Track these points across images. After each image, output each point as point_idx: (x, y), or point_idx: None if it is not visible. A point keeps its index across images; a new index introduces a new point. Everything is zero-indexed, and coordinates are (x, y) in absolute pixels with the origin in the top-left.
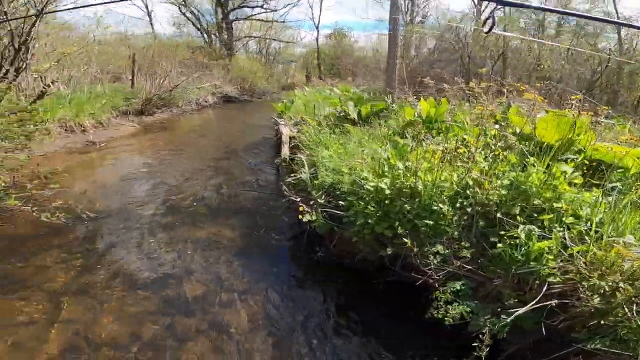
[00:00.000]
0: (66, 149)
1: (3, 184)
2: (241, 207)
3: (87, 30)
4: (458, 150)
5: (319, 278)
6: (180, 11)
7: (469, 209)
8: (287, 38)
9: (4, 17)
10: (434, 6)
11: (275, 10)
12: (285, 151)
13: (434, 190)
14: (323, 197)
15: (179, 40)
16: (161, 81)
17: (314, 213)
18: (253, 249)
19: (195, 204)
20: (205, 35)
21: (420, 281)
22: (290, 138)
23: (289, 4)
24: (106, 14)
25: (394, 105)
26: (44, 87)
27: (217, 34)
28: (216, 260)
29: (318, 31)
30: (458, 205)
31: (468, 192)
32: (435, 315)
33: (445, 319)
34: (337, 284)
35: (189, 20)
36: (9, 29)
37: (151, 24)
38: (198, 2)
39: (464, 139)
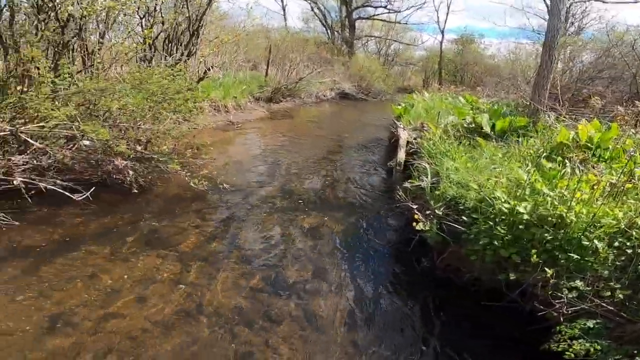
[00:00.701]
0: (213, 125)
1: (167, 149)
2: (349, 202)
3: (239, 21)
4: (628, 185)
5: (418, 288)
6: (311, 8)
7: (629, 251)
8: (407, 40)
9: (185, 2)
10: (595, 17)
11: (399, 12)
12: (402, 155)
13: (588, 224)
14: (442, 209)
15: (307, 35)
16: (289, 73)
17: (428, 223)
18: (355, 245)
19: (307, 191)
20: (329, 32)
21: (543, 312)
22: (407, 142)
23: (413, 6)
24: (256, 6)
25: (538, 122)
26: (205, 70)
27: (340, 31)
28: (319, 249)
29: (443, 35)
30: (616, 244)
31: (634, 232)
32: (555, 348)
33: (567, 353)
34: (438, 298)
35: (317, 16)
36: (187, 14)
37: (285, 18)
38: None
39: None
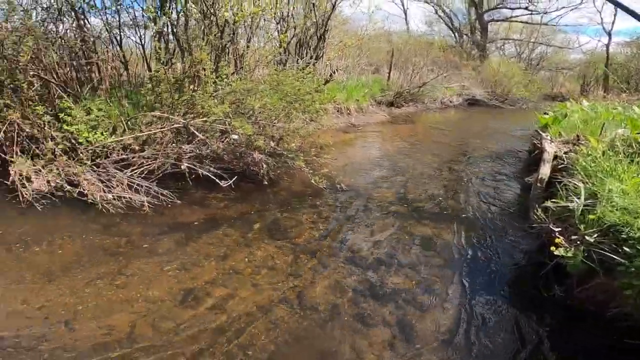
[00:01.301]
0: (335, 127)
1: (295, 147)
2: (470, 216)
3: (361, 25)
4: None
5: (543, 316)
6: (435, 11)
7: None
8: (559, 43)
9: (312, 7)
10: None
11: (546, 13)
12: (546, 171)
13: None
14: (594, 235)
15: (430, 38)
16: (412, 77)
17: (572, 249)
18: (472, 262)
19: (424, 199)
20: (457, 35)
21: None
22: (555, 157)
23: (565, 7)
24: (377, 10)
25: None
26: (331, 73)
27: (469, 34)
28: (429, 261)
29: (610, 37)
30: None
31: None
32: None
33: None
34: (568, 328)
35: (441, 19)
36: (314, 20)
37: (406, 21)
38: (450, 1)
39: None
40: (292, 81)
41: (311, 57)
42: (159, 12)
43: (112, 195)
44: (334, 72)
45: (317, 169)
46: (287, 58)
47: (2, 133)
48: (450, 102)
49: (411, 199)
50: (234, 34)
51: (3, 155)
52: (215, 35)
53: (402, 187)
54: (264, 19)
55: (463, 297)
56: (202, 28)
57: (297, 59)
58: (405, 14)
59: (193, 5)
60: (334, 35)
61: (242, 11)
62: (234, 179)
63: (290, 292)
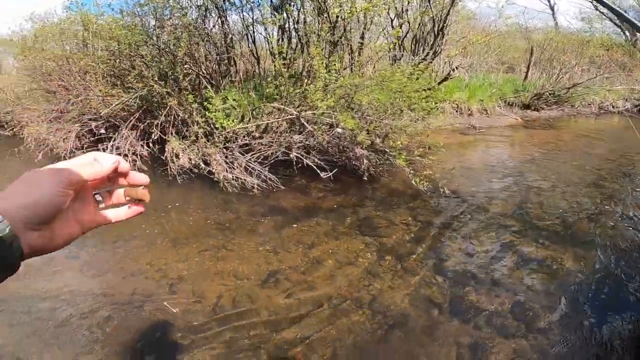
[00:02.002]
0: (451, 127)
1: (400, 145)
2: (607, 244)
3: (490, 21)
4: None
5: None
6: (595, 8)
7: None
8: None
9: (427, 2)
10: None
11: None
12: None
13: None
14: None
15: (587, 35)
16: (559, 77)
17: None
18: (586, 298)
19: (548, 216)
20: (628, 34)
21: None
22: None
23: None
24: (508, 5)
25: None
26: (450, 71)
27: None
28: (531, 284)
29: None
30: None
31: None
32: None
33: None
34: None
35: (605, 16)
36: (431, 15)
37: (554, 17)
38: None
39: None
40: (398, 77)
41: (427, 54)
42: (280, 9)
43: (232, 176)
44: (453, 70)
45: (419, 170)
46: (402, 54)
47: (163, 116)
48: (613, 106)
49: (532, 215)
50: (345, 30)
51: (163, 135)
52: (326, 31)
53: (523, 201)
54: (378, 15)
55: (559, 335)
56: (316, 24)
57: (412, 56)
58: (552, 9)
59: (308, 2)
60: (455, 31)
61: (353, 7)
62: (334, 171)
63: (365, 292)
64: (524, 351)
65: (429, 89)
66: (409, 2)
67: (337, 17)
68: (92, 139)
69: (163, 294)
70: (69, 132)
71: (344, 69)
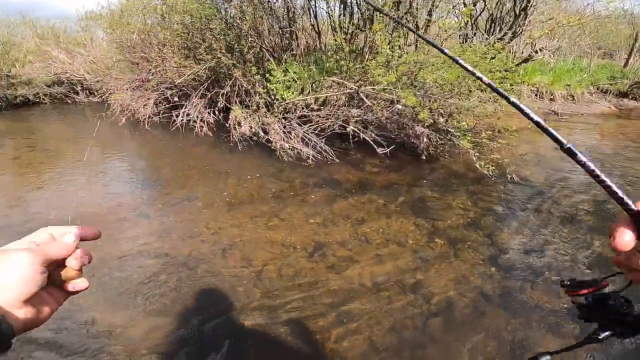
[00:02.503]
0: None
1: (466, 126)
2: None
3: (587, 3)
4: None
5: None
6: None
7: None
8: None
9: None
10: None
11: None
12: None
13: None
14: None
15: None
16: None
17: None
18: None
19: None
20: None
21: None
22: None
23: None
24: None
25: None
26: (531, 53)
27: None
28: None
29: None
30: None
31: None
32: None
33: None
34: None
35: None
36: None
37: None
38: None
39: None
40: (469, 56)
41: (505, 35)
42: None
43: (289, 145)
44: (535, 52)
45: (485, 154)
46: (475, 34)
47: (229, 87)
48: None
49: (614, 214)
50: (410, 5)
51: (227, 104)
52: (390, 7)
53: (605, 197)
54: None
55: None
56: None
57: (487, 36)
58: None
59: None
60: (542, 11)
61: None
62: (391, 147)
63: (410, 275)
64: (579, 357)
65: (506, 70)
66: None
67: None
68: (167, 105)
69: (216, 257)
70: (148, 99)
71: (408, 46)
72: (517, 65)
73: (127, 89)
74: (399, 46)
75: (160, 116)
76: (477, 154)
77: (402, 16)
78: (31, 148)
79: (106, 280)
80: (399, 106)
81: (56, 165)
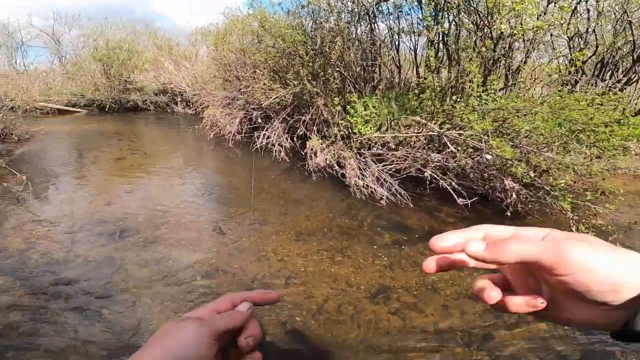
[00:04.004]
0: (633, 172)
1: (563, 184)
2: None
3: None
4: None
5: None
6: None
7: None
8: None
9: (628, 24)
10: None
11: None
12: None
13: None
14: None
15: None
16: None
17: None
18: None
19: None
20: None
21: None
22: None
23: None
24: None
25: None
26: None
27: None
28: None
29: None
30: None
31: None
32: None
33: None
34: None
35: None
36: (631, 39)
37: None
38: None
39: None
40: (584, 106)
41: (618, 81)
42: (433, 20)
43: (363, 183)
44: None
45: (586, 218)
46: (580, 79)
47: (310, 114)
48: None
49: None
50: (509, 47)
51: (306, 132)
52: (487, 47)
53: None
54: (551, 34)
55: None
56: (474, 39)
57: (595, 82)
58: None
59: (465, 16)
60: None
61: (522, 25)
62: (473, 199)
63: (480, 329)
64: None
65: (620, 123)
66: (598, 24)
67: (501, 33)
68: (250, 126)
69: (279, 284)
70: (235, 117)
71: (500, 90)
72: (634, 115)
73: (218, 105)
74: (494, 90)
75: (243, 135)
76: (575, 217)
77: (499, 57)
78: (133, 151)
79: (173, 288)
80: (489, 156)
81: (150, 170)
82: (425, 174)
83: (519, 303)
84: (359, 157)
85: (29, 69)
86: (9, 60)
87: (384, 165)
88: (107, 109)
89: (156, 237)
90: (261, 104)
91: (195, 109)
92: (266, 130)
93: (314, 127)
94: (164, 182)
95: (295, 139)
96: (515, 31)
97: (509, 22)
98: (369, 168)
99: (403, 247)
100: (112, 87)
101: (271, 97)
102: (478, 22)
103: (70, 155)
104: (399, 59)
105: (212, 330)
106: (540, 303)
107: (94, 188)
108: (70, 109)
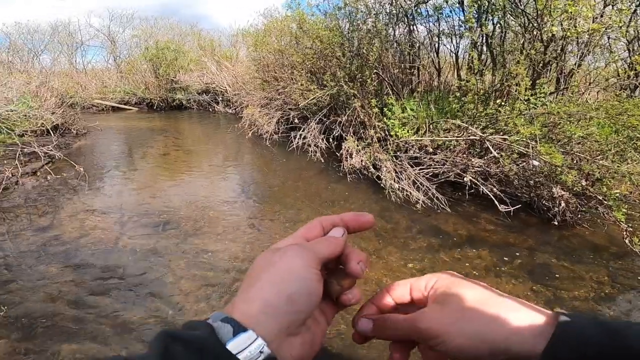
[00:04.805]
0: None
1: (618, 194)
2: None
3: None
4: None
5: None
6: None
7: None
8: None
9: None
10: None
11: None
12: None
13: None
14: None
15: None
16: None
17: None
18: None
19: None
20: None
21: None
22: None
23: None
24: None
25: None
26: None
27: None
28: None
29: None
30: None
31: None
32: None
33: None
34: None
35: None
36: None
37: None
38: None
39: None
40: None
41: None
42: (476, 22)
43: (399, 186)
44: None
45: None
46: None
47: (346, 116)
48: None
49: None
50: (562, 50)
51: (342, 133)
52: (537, 50)
53: None
54: (608, 37)
55: None
56: (522, 41)
57: None
58: None
59: (512, 18)
60: None
61: (575, 27)
62: (516, 206)
63: None
64: None
65: None
66: None
67: (553, 35)
68: (287, 126)
69: None
70: (272, 117)
71: (550, 94)
72: None
73: (257, 105)
74: (544, 94)
75: (280, 135)
76: (629, 228)
77: (549, 60)
78: (177, 148)
79: (210, 278)
80: (536, 162)
81: (192, 166)
82: (465, 179)
83: None
84: (395, 159)
85: (87, 68)
86: (70, 59)
87: (421, 169)
88: (155, 107)
89: (195, 230)
90: (298, 105)
91: (235, 109)
92: (303, 131)
93: (350, 129)
94: (204, 178)
95: (331, 140)
96: (568, 33)
97: (561, 25)
98: (406, 171)
99: (437, 252)
100: (160, 86)
101: (308, 98)
102: (526, 24)
103: (121, 150)
104: (438, 62)
105: (317, 258)
106: None
107: (141, 181)
108: (123, 106)
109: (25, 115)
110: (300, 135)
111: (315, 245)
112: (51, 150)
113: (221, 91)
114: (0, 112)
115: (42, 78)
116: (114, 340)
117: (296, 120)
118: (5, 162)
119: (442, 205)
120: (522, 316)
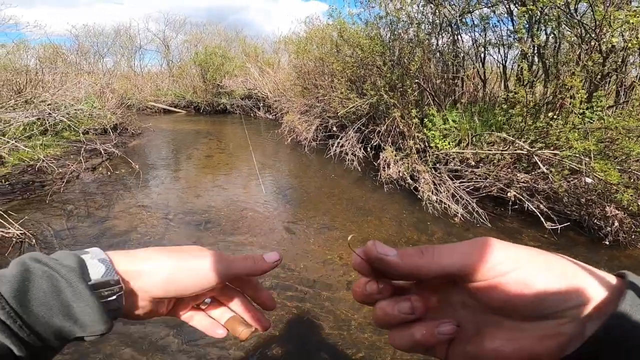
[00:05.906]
0: None
1: None
2: None
3: None
4: None
5: None
6: None
7: None
8: None
9: None
10: None
11: None
12: None
13: None
14: None
15: None
16: None
17: None
18: None
19: None
20: None
21: None
22: None
23: None
24: None
25: None
26: None
27: None
28: None
29: None
30: None
31: None
32: None
33: None
34: None
35: None
36: None
37: None
38: None
39: None
40: None
41: None
42: (526, 33)
43: (437, 198)
44: None
45: None
46: None
47: (385, 125)
48: None
49: None
50: (622, 62)
51: (381, 142)
52: (595, 61)
53: None
54: None
55: None
56: (578, 52)
57: None
58: None
59: (567, 28)
60: None
61: (637, 38)
62: (564, 224)
63: None
64: None
65: None
66: None
67: (613, 46)
68: (326, 133)
69: (340, 289)
70: (311, 124)
71: (609, 107)
72: None
73: (296, 112)
74: (601, 107)
75: (318, 142)
76: None
77: (608, 72)
78: (221, 150)
79: None
80: (589, 180)
81: (233, 168)
82: (509, 194)
83: (421, 335)
84: (434, 171)
85: (143, 71)
86: (129, 62)
87: (461, 182)
88: (201, 111)
89: (234, 230)
90: (337, 113)
91: (275, 115)
92: (341, 139)
93: (389, 139)
94: (244, 181)
95: (368, 149)
96: (630, 45)
97: (622, 35)
98: (445, 184)
99: None
100: (207, 90)
101: (347, 107)
102: (583, 35)
103: (170, 151)
104: (484, 72)
105: (229, 269)
106: (450, 328)
107: (187, 181)
108: (173, 109)
109: (91, 115)
110: (338, 143)
111: (235, 260)
112: (111, 148)
113: (262, 97)
114: (70, 110)
115: (106, 79)
116: (141, 344)
117: (334, 129)
118: (70, 157)
119: (482, 220)
120: (587, 271)
